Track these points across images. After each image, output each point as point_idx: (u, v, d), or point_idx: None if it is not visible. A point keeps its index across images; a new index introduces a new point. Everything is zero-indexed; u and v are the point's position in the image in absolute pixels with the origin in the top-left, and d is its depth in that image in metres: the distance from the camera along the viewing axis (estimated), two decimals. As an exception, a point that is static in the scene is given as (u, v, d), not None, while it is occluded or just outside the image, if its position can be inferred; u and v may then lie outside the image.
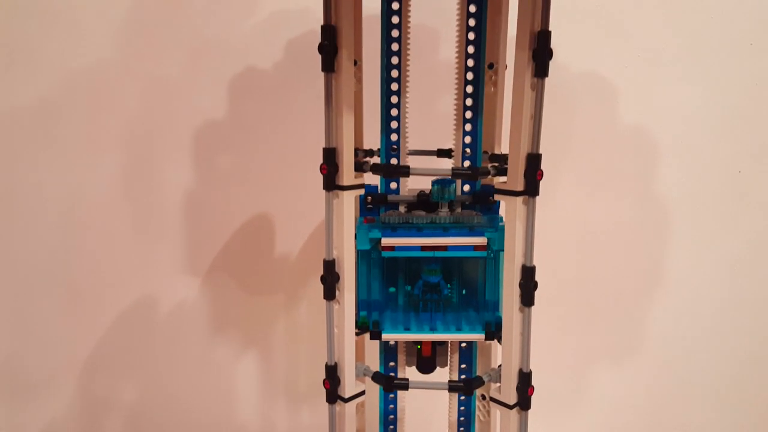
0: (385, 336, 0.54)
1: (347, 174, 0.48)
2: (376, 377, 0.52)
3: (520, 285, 0.49)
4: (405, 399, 0.65)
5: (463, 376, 0.60)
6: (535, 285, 0.49)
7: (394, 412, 0.64)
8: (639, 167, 1.06)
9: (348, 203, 0.48)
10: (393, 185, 0.59)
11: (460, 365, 0.62)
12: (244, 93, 1.04)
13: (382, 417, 0.63)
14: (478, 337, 0.55)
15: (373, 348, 0.59)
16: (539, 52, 0.45)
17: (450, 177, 0.48)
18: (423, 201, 0.56)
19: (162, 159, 1.04)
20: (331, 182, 0.48)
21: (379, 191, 0.58)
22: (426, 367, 0.60)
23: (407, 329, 0.55)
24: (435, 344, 0.59)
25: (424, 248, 0.52)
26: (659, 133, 1.04)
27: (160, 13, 0.99)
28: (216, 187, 1.07)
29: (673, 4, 1.00)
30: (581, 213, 1.06)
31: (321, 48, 0.45)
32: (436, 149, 0.65)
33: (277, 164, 1.06)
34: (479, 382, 0.53)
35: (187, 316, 1.10)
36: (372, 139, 0.67)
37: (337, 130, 0.47)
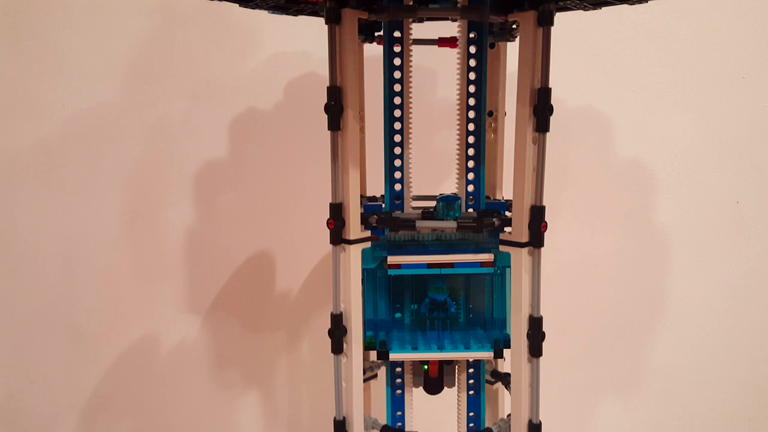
0: (392, 356, 0.54)
1: (354, 228, 0.48)
2: (384, 431, 0.52)
3: (528, 336, 0.49)
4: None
5: (471, 424, 0.60)
6: (542, 336, 0.49)
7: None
8: (637, 199, 1.07)
9: (355, 257, 0.49)
10: (397, 187, 0.58)
11: (468, 384, 0.61)
12: (245, 133, 1.05)
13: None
14: (486, 355, 0.54)
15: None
16: (540, 108, 0.46)
17: (455, 230, 0.49)
18: (428, 218, 0.56)
19: (163, 199, 1.05)
20: (338, 236, 0.48)
21: (383, 210, 0.58)
22: (433, 387, 0.59)
23: (415, 348, 0.54)
24: (442, 364, 0.59)
25: (430, 266, 0.52)
26: (656, 165, 1.05)
27: (162, 56, 1.01)
28: (217, 226, 1.07)
29: (665, 39, 1.03)
30: (580, 244, 1.07)
31: (327, 108, 0.46)
32: (438, 194, 0.66)
33: (278, 202, 1.07)
34: None
35: (188, 355, 1.09)
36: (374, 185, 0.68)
37: (344, 186, 0.48)
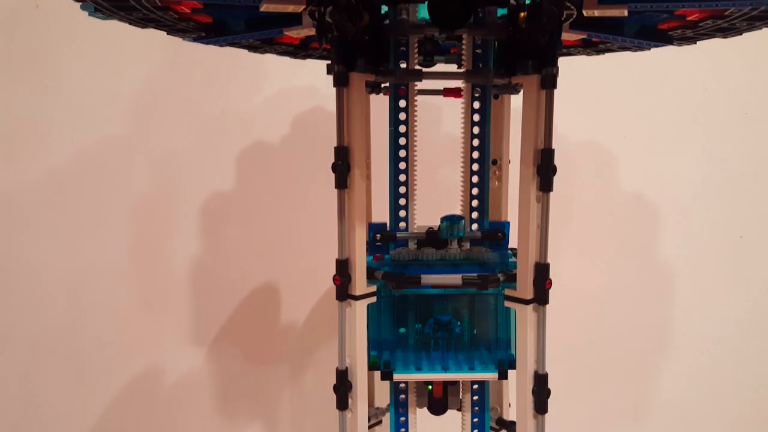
0: (396, 376, 0.53)
1: (360, 284, 0.49)
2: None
3: (533, 392, 0.49)
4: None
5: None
6: (548, 393, 0.49)
7: None
8: (641, 233, 1.07)
9: (360, 312, 0.49)
10: (402, 224, 0.59)
11: (472, 406, 0.61)
12: (252, 166, 1.07)
13: None
14: (491, 376, 0.54)
15: (383, 388, 0.58)
16: (543, 169, 0.47)
17: (460, 286, 0.49)
18: (432, 238, 0.56)
19: (169, 230, 1.06)
20: (344, 292, 0.49)
21: (388, 228, 0.59)
22: (437, 408, 0.59)
23: (419, 369, 0.54)
24: (446, 384, 0.58)
25: (434, 285, 0.52)
26: (660, 199, 1.06)
27: (170, 90, 1.03)
28: (222, 257, 1.08)
29: (668, 75, 1.04)
30: (584, 278, 1.07)
31: (335, 167, 0.47)
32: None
33: (283, 234, 1.07)
34: None
35: (192, 386, 1.09)
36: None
37: (350, 243, 0.48)
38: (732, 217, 1.05)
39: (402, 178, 0.57)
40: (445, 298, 0.55)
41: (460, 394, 0.61)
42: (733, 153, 1.04)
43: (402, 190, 0.57)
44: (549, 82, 0.45)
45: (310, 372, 1.11)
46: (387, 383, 0.59)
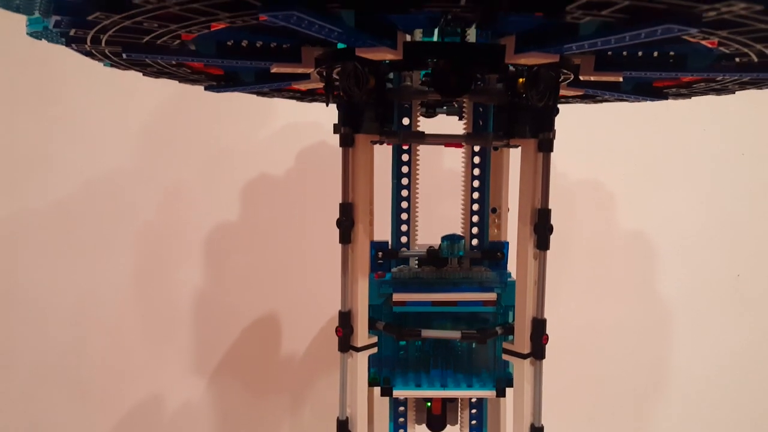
0: (396, 392, 0.54)
1: (362, 335, 0.50)
2: None
3: (529, 445, 0.50)
4: None
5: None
6: (543, 446, 0.50)
7: None
8: (639, 270, 1.09)
9: (362, 363, 0.51)
10: (403, 239, 0.61)
11: (470, 422, 0.62)
12: (256, 198, 1.09)
13: None
14: (489, 394, 0.55)
15: (382, 405, 0.58)
16: (540, 227, 0.48)
17: (460, 338, 0.50)
18: (433, 256, 0.58)
19: (174, 260, 1.08)
20: (346, 344, 0.50)
21: (389, 247, 0.60)
22: (436, 424, 0.60)
23: (418, 386, 0.55)
24: (445, 401, 0.59)
25: (434, 303, 0.53)
26: (658, 237, 1.07)
27: (178, 123, 1.05)
28: (225, 287, 1.10)
29: (666, 116, 1.06)
30: (583, 313, 1.08)
31: (339, 223, 0.48)
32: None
33: (286, 266, 1.09)
34: None
35: (192, 416, 1.10)
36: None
37: (353, 295, 0.50)
38: (729, 255, 1.07)
39: (404, 205, 0.61)
40: (445, 317, 0.56)
41: (459, 411, 0.62)
42: (730, 193, 1.06)
43: (404, 216, 0.60)
44: (546, 146, 0.47)
45: (309, 403, 1.12)
46: (386, 399, 0.59)
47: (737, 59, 0.44)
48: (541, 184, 0.48)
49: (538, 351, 0.49)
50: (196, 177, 1.06)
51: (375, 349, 0.52)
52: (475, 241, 0.61)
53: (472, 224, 0.61)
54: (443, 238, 0.58)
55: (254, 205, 1.08)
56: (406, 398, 0.60)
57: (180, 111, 1.05)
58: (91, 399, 1.08)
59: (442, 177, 1.02)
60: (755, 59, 0.42)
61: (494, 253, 0.60)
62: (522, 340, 0.50)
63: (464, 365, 0.58)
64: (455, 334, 0.50)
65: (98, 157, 1.05)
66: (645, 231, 1.07)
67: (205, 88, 0.65)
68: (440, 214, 0.98)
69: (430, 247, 0.59)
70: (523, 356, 0.50)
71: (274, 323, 1.11)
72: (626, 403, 1.08)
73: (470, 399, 0.61)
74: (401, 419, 0.62)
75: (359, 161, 0.48)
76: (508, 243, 0.62)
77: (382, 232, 0.65)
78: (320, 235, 1.07)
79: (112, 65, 0.54)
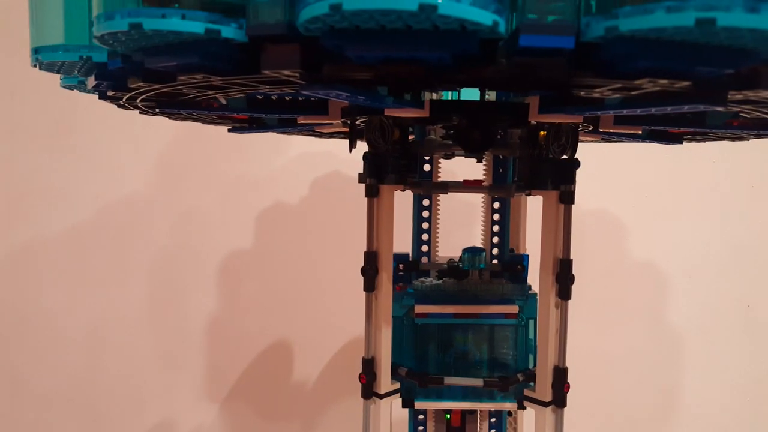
0: (417, 404, 0.54)
1: (384, 382, 0.51)
2: None
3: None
4: None
5: None
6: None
7: None
8: (649, 300, 1.09)
9: (384, 410, 0.51)
10: (424, 248, 0.62)
11: (489, 430, 0.61)
12: (270, 225, 1.10)
13: None
14: (510, 406, 0.54)
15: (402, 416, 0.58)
16: (562, 277, 0.49)
17: (482, 386, 0.51)
18: (454, 269, 0.58)
19: (188, 287, 1.09)
20: (369, 390, 0.51)
21: (410, 258, 0.61)
22: None
23: (439, 397, 0.54)
24: (465, 413, 0.59)
25: (456, 315, 0.54)
26: (668, 268, 1.08)
27: (194, 150, 1.07)
28: (238, 313, 1.10)
29: (676, 148, 1.07)
30: (594, 343, 1.08)
31: (363, 271, 0.49)
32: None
33: (299, 292, 1.10)
34: None
35: (203, 441, 1.10)
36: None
37: (376, 342, 0.51)
38: (739, 286, 1.07)
39: (425, 214, 0.62)
40: (466, 328, 0.56)
41: (478, 422, 0.61)
42: (740, 223, 1.06)
43: (425, 225, 0.61)
44: (567, 198, 0.48)
45: (320, 429, 1.12)
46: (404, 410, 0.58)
47: (756, 119, 0.45)
48: (563, 234, 0.49)
49: (559, 399, 0.50)
50: (210, 204, 1.07)
51: (397, 396, 0.52)
52: (495, 251, 0.61)
53: (493, 234, 0.61)
54: (464, 251, 0.58)
55: (268, 232, 1.09)
56: (426, 410, 0.60)
57: (195, 139, 1.06)
58: (104, 424, 1.08)
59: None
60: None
61: (514, 266, 0.60)
62: (544, 388, 0.50)
63: (485, 377, 0.56)
64: (477, 382, 0.51)
65: (114, 184, 1.06)
66: (655, 261, 1.08)
67: (229, 130, 0.66)
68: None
69: (451, 259, 0.60)
70: (545, 404, 0.50)
71: (287, 349, 1.11)
72: (635, 431, 1.08)
73: (489, 411, 0.60)
74: (420, 428, 0.62)
75: (383, 210, 0.49)
76: (528, 256, 0.62)
77: (403, 244, 0.65)
78: (333, 262, 1.08)
79: (141, 113, 0.56)
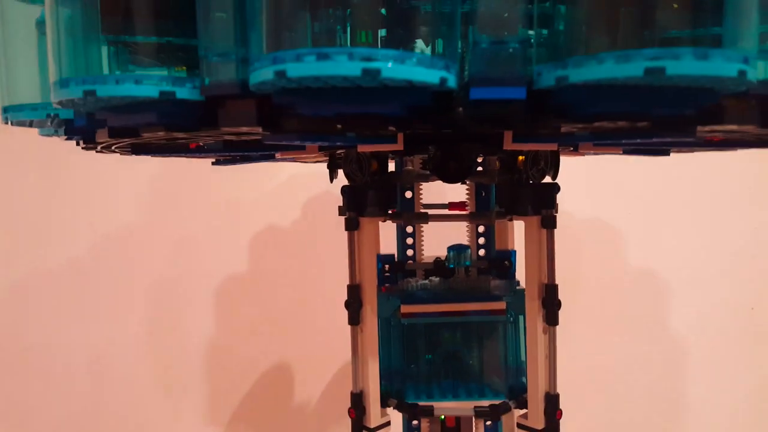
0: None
1: (374, 416, 0.50)
2: None
3: None
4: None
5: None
6: None
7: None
8: (650, 307, 1.08)
9: (376, 444, 0.51)
10: (410, 252, 0.60)
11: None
12: (264, 248, 1.10)
13: None
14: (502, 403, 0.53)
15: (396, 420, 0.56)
16: (548, 302, 0.49)
17: (474, 415, 0.50)
18: (440, 267, 0.57)
19: (186, 313, 1.08)
20: (359, 425, 0.50)
21: (396, 259, 0.60)
22: None
23: (430, 397, 0.53)
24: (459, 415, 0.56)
25: (443, 314, 0.53)
26: (668, 274, 1.07)
27: (186, 177, 1.07)
28: (237, 337, 1.10)
29: (672, 157, 1.06)
30: (595, 353, 1.07)
31: (347, 305, 0.49)
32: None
33: (296, 314, 1.09)
34: None
35: (208, 467, 1.09)
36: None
37: (363, 377, 0.50)
38: (742, 289, 1.06)
39: (409, 230, 0.60)
40: (454, 327, 0.55)
41: (473, 423, 0.59)
42: (740, 226, 1.05)
43: (409, 229, 0.61)
44: (549, 223, 0.48)
45: (324, 451, 1.12)
46: (399, 416, 0.56)
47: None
48: (547, 259, 0.49)
49: (552, 426, 0.49)
50: (204, 230, 1.07)
51: (389, 428, 0.52)
52: (482, 252, 0.60)
53: (479, 234, 0.60)
54: (449, 248, 0.57)
55: (262, 256, 1.09)
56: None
57: (186, 165, 1.06)
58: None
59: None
60: (751, 138, 0.42)
61: (501, 262, 0.59)
62: (536, 415, 0.50)
63: (476, 375, 0.56)
64: (468, 410, 0.50)
65: (107, 214, 1.07)
66: (654, 268, 1.07)
67: (213, 163, 0.67)
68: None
69: (437, 258, 0.59)
70: (537, 432, 0.50)
71: (287, 372, 1.11)
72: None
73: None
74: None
75: (365, 242, 0.49)
76: (515, 251, 0.60)
77: (389, 245, 0.64)
78: (328, 283, 1.07)
79: (121, 154, 0.56)
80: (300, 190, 1.08)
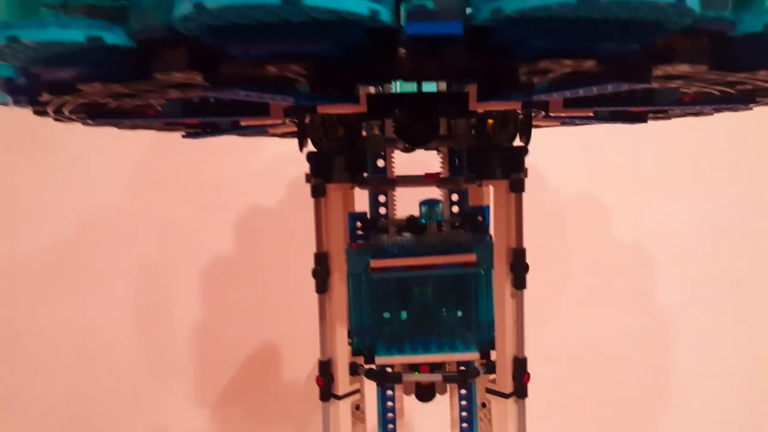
0: (378, 359, 0.52)
1: (342, 383, 0.50)
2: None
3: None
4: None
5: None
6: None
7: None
8: (637, 281, 1.07)
9: (344, 412, 0.50)
10: (382, 210, 0.60)
11: (459, 390, 0.59)
12: (250, 229, 1.09)
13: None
14: (473, 356, 0.53)
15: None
16: (516, 267, 0.48)
17: (442, 380, 0.50)
18: (412, 224, 0.57)
19: (172, 294, 1.08)
20: (328, 392, 0.50)
21: (368, 216, 0.59)
22: (425, 394, 0.57)
23: (401, 351, 0.53)
24: (432, 370, 0.56)
25: (412, 268, 0.51)
26: (655, 247, 1.06)
27: (170, 158, 1.06)
28: (224, 318, 1.10)
29: (657, 125, 1.05)
30: (583, 326, 1.07)
31: (315, 273, 0.48)
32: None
33: (284, 296, 1.09)
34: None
35: (197, 447, 1.10)
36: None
37: (331, 344, 0.50)
38: (728, 262, 1.05)
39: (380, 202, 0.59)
40: (425, 282, 0.54)
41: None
42: (727, 199, 1.04)
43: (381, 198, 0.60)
44: (517, 187, 0.47)
45: (314, 430, 1.12)
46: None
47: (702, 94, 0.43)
48: (515, 223, 0.48)
49: (520, 390, 0.49)
50: (189, 211, 1.07)
51: (358, 396, 0.51)
52: (455, 209, 0.59)
53: (452, 191, 0.59)
54: (421, 203, 0.57)
55: (249, 236, 1.08)
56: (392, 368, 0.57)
57: (170, 146, 1.05)
58: (96, 434, 1.09)
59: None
60: (718, 94, 0.41)
61: (474, 218, 0.58)
62: (504, 380, 0.49)
63: (447, 330, 0.55)
64: (436, 377, 0.50)
65: (91, 197, 1.06)
66: (641, 241, 1.06)
67: (183, 136, 0.65)
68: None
69: (411, 216, 0.58)
70: (506, 395, 0.49)
71: (275, 352, 1.11)
72: (628, 414, 1.07)
73: (457, 364, 0.57)
74: (389, 392, 0.60)
75: (332, 210, 0.48)
76: (488, 207, 0.59)
77: (361, 203, 0.63)
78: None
79: (84, 125, 0.55)
80: (284, 168, 1.07)
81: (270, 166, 1.07)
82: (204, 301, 1.08)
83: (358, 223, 0.58)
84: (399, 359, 0.53)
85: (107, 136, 1.05)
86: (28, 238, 1.05)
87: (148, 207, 1.06)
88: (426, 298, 0.54)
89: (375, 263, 0.52)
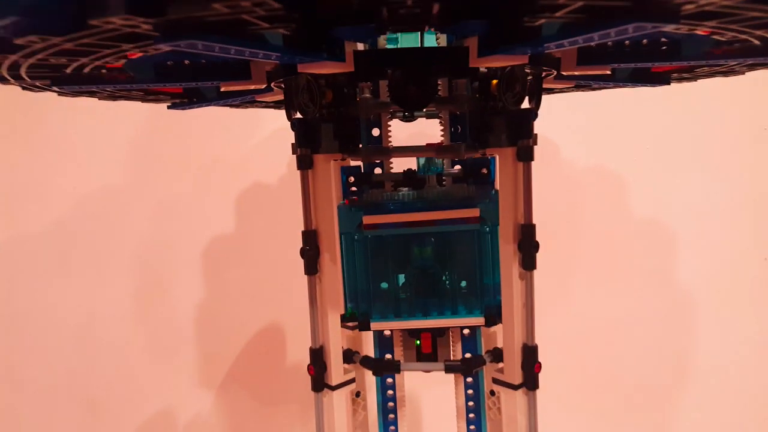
0: (374, 325, 0.48)
1: (336, 373, 0.46)
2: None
3: (526, 482, 0.46)
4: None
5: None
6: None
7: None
8: (657, 257, 1.02)
9: (338, 403, 0.47)
10: (377, 170, 0.55)
11: (464, 356, 0.54)
12: (250, 207, 1.05)
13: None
14: (477, 321, 0.48)
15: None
16: (525, 245, 0.43)
17: (444, 370, 0.46)
18: (409, 176, 0.52)
19: (173, 275, 1.06)
20: (320, 382, 0.46)
21: (362, 171, 0.54)
22: (426, 356, 0.52)
23: (398, 317, 0.48)
24: (435, 337, 0.52)
25: (410, 224, 0.46)
26: (676, 223, 1.00)
27: (168, 136, 1.02)
28: (226, 299, 1.07)
29: (678, 93, 0.98)
30: (599, 307, 1.02)
31: (303, 253, 0.44)
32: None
33: (286, 274, 1.06)
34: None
35: (202, 428, 1.09)
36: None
37: (323, 330, 0.46)
38: (755, 238, 0.99)
39: (375, 132, 0.53)
40: (424, 240, 0.49)
41: (451, 347, 0.54)
42: (753, 171, 0.98)
43: (375, 132, 0.54)
44: (525, 155, 0.42)
45: (319, 412, 1.10)
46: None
47: (737, 44, 0.38)
48: (523, 197, 0.43)
49: (530, 381, 0.45)
50: (189, 189, 1.03)
51: (353, 385, 0.48)
52: (456, 167, 0.54)
53: (453, 135, 0.53)
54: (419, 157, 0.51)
55: (250, 214, 1.05)
56: (392, 336, 0.53)
57: (168, 123, 1.02)
58: (101, 416, 1.08)
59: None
60: (757, 43, 0.36)
61: (478, 170, 0.52)
62: (512, 370, 0.45)
63: (449, 293, 0.49)
64: (438, 366, 0.46)
65: (90, 176, 1.03)
66: (661, 217, 1.00)
67: (169, 107, 0.61)
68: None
69: (408, 169, 0.52)
70: (515, 387, 0.45)
71: (278, 333, 1.08)
72: (646, 397, 1.02)
73: (462, 332, 0.52)
74: (389, 380, 0.55)
75: (320, 183, 0.44)
76: (494, 158, 0.54)
77: None
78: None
79: (59, 95, 0.51)
80: (284, 144, 1.02)
81: (269, 142, 1.03)
82: (206, 282, 1.05)
83: (351, 178, 0.53)
84: (396, 324, 0.48)
85: (104, 114, 1.02)
86: (28, 219, 1.03)
87: (147, 185, 1.03)
88: (425, 259, 0.48)
89: (368, 219, 0.47)
